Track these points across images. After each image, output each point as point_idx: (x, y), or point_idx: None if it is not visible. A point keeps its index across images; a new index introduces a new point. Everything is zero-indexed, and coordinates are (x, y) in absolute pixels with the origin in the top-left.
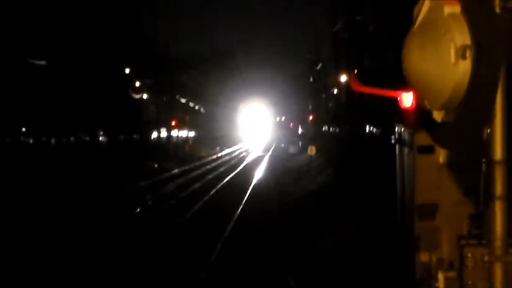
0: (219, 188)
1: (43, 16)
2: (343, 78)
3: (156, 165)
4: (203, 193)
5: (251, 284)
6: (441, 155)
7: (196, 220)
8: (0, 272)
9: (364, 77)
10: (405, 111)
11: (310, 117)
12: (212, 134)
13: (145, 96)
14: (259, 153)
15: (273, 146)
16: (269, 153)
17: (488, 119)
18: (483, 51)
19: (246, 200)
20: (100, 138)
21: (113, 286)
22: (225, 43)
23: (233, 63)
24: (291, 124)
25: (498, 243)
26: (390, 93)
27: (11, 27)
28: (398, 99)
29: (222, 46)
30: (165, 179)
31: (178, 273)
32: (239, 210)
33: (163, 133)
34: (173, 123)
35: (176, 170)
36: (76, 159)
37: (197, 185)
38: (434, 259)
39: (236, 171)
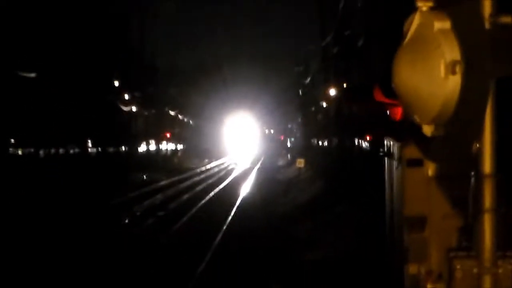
0: (208, 199)
1: (32, 28)
2: (332, 91)
3: (145, 177)
4: (192, 204)
5: None
6: (430, 169)
7: (186, 230)
8: None
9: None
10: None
11: (299, 130)
12: (200, 147)
13: (134, 108)
14: (248, 165)
15: (262, 159)
16: (258, 166)
17: (478, 133)
18: (473, 67)
19: (235, 211)
20: (89, 150)
21: None
22: (211, 55)
23: (219, 76)
24: (280, 136)
25: (487, 255)
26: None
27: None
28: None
29: (208, 58)
30: (153, 190)
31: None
32: (229, 220)
33: (152, 146)
34: (166, 135)
35: (164, 182)
36: (65, 170)
37: (186, 196)
38: (423, 271)
39: (225, 182)
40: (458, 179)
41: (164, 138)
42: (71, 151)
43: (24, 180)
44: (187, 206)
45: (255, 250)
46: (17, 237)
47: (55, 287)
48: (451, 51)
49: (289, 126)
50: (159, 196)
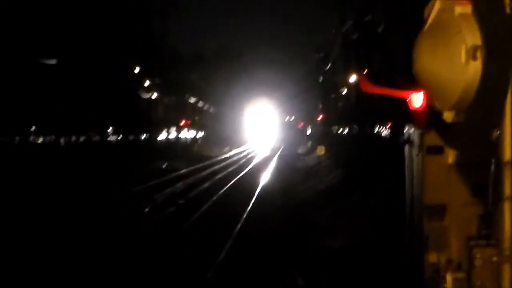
0: (228, 187)
1: (53, 15)
2: (353, 78)
3: (165, 165)
4: (212, 192)
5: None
6: (450, 156)
7: (207, 217)
8: (3, 271)
9: (374, 78)
10: (415, 111)
11: (319, 117)
12: (220, 134)
13: (154, 95)
14: (268, 153)
15: (282, 146)
16: (278, 153)
17: (498, 120)
18: (494, 52)
19: (255, 199)
20: (110, 138)
21: (117, 285)
22: (232, 42)
23: (240, 63)
24: (300, 124)
25: (506, 243)
26: (399, 93)
27: (21, 27)
28: (408, 100)
29: (228, 45)
30: (174, 178)
31: (183, 274)
32: (249, 208)
33: (172, 133)
34: (184, 122)
35: (185, 170)
36: (85, 158)
37: (206, 184)
38: (442, 259)
39: (245, 170)
40: (478, 166)
41: (184, 125)
42: (92, 139)
43: (44, 168)
44: (207, 193)
45: (275, 237)
46: (29, 229)
47: (84, 263)
48: (472, 36)
49: (310, 113)
50: (179, 185)
